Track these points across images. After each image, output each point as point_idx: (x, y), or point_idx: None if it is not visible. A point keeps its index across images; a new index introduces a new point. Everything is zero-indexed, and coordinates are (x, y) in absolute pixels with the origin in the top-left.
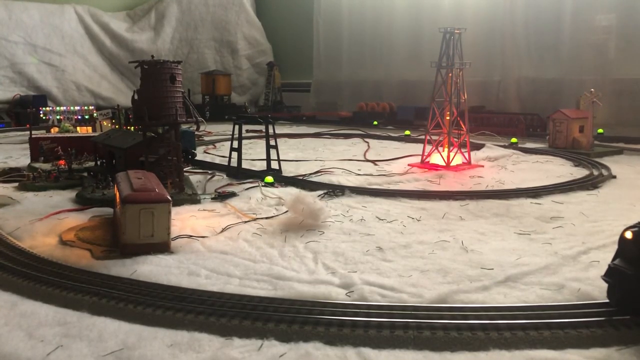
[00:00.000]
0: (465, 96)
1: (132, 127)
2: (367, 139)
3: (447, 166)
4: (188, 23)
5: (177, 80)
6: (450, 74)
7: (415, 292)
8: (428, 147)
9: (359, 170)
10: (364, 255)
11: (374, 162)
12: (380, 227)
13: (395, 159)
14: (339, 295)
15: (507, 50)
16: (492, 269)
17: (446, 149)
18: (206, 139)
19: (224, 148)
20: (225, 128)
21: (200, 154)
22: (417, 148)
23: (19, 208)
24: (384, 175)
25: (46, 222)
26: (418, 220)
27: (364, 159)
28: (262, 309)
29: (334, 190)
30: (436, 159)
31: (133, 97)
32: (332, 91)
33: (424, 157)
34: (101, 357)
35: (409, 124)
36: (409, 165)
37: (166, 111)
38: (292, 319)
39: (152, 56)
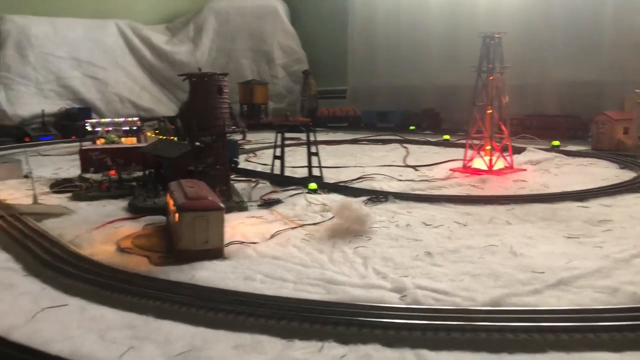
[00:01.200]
0: (507, 99)
1: (176, 137)
2: (405, 145)
3: (490, 170)
4: (225, 34)
5: (224, 91)
6: (491, 78)
7: (467, 295)
8: (469, 152)
9: (400, 176)
10: (413, 260)
11: (414, 167)
12: (427, 232)
13: (436, 164)
14: (393, 299)
15: (545, 52)
16: (543, 272)
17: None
18: (246, 147)
19: (265, 156)
20: (263, 136)
21: (242, 163)
22: (457, 153)
23: (75, 217)
24: (426, 180)
25: (102, 231)
26: (465, 225)
27: (404, 164)
28: (319, 312)
29: (378, 196)
30: (478, 163)
31: (181, 109)
32: (368, 97)
33: (466, 161)
34: (172, 358)
35: (374, 127)
36: (450, 170)
37: (215, 122)
38: (349, 322)
39: (199, 69)
